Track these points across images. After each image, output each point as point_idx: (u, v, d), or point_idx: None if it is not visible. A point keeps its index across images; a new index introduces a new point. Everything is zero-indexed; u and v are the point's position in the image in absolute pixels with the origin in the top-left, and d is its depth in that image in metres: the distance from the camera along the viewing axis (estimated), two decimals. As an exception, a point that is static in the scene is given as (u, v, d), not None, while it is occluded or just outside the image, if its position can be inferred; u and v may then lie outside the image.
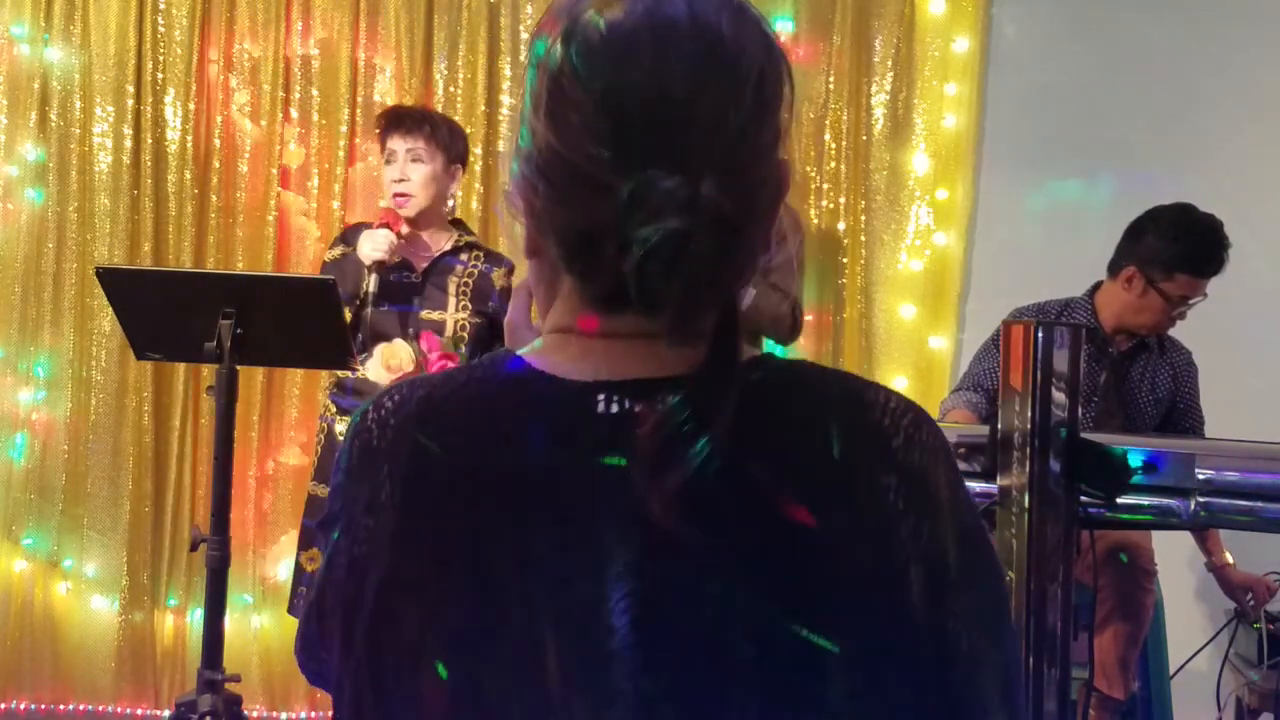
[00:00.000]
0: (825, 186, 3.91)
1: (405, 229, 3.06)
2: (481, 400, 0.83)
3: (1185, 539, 3.67)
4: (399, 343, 3.00)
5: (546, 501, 0.79)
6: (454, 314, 3.07)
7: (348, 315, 2.97)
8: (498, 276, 3.13)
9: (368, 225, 3.16)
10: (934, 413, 3.27)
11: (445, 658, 0.78)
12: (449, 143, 3.11)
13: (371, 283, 2.98)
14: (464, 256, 3.14)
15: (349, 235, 3.18)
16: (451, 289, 3.09)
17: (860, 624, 0.77)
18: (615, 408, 0.79)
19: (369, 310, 3.00)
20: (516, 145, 0.83)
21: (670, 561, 0.76)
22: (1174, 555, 3.40)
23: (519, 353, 0.85)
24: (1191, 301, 2.99)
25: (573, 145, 0.78)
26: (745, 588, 0.76)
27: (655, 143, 0.76)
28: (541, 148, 0.80)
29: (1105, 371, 3.04)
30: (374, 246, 2.98)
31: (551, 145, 0.79)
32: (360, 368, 3.00)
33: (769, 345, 3.57)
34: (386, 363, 2.96)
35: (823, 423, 0.80)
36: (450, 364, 2.94)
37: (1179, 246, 2.93)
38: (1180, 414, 3.13)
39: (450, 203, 3.19)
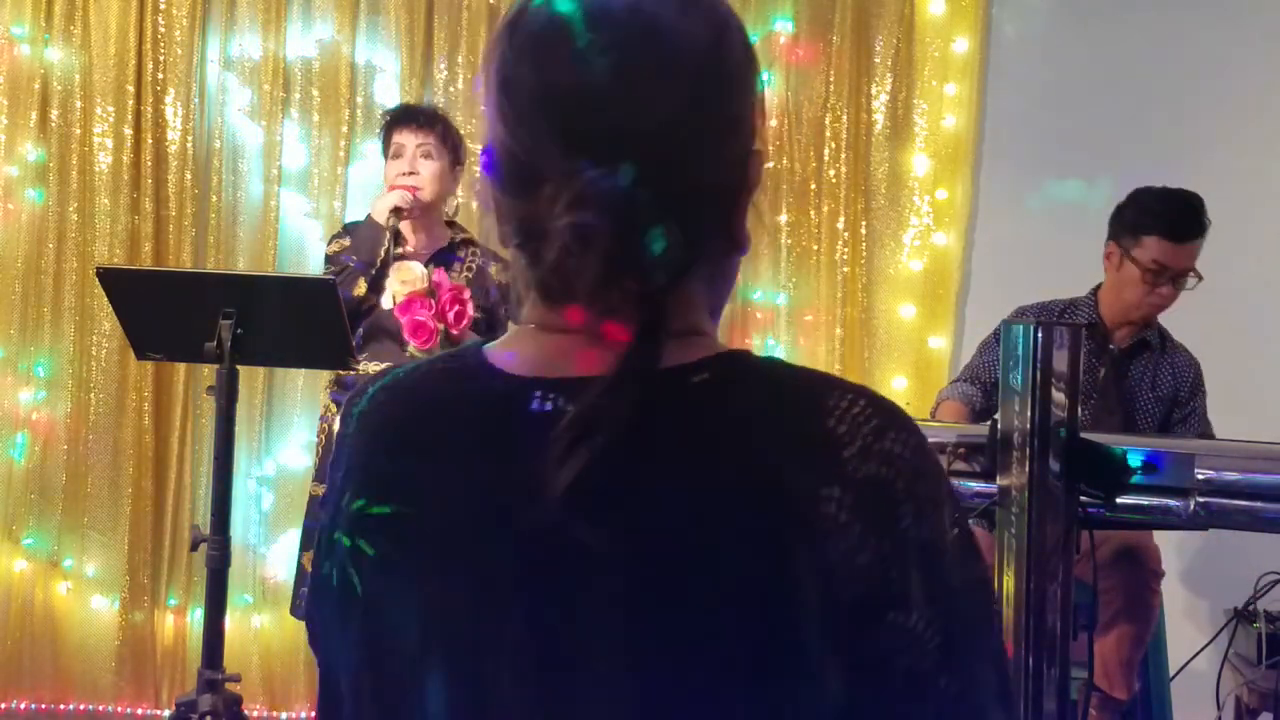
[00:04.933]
0: (825, 186, 3.91)
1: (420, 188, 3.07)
2: (432, 393, 0.84)
3: (1184, 539, 3.67)
4: (415, 263, 3.01)
5: (475, 496, 0.79)
6: None
7: (363, 285, 2.97)
8: (496, 271, 3.16)
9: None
10: (930, 402, 3.26)
11: (377, 642, 0.81)
12: (455, 144, 3.15)
13: (395, 221, 2.98)
14: (461, 253, 3.16)
15: (350, 229, 3.19)
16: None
17: (759, 641, 0.74)
18: (549, 405, 0.78)
19: (384, 294, 3.00)
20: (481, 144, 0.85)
21: (569, 566, 0.75)
22: (1173, 555, 3.41)
23: (485, 346, 0.86)
24: (1188, 283, 2.93)
25: (513, 136, 0.79)
26: (634, 599, 0.74)
27: (583, 133, 0.76)
28: (491, 140, 0.81)
29: (1104, 368, 3.03)
30: (387, 199, 3.00)
31: (498, 137, 0.80)
32: (360, 366, 3.00)
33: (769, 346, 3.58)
34: (401, 279, 2.97)
35: (760, 427, 0.76)
36: (461, 294, 2.98)
37: (1147, 210, 2.94)
38: (1180, 420, 3.08)
39: (455, 204, 3.22)
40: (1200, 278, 2.96)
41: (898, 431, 0.77)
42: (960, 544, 0.77)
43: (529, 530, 0.76)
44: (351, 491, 0.84)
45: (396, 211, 2.98)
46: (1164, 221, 2.92)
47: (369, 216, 3.03)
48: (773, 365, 0.81)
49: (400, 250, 3.05)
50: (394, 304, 2.98)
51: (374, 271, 3.00)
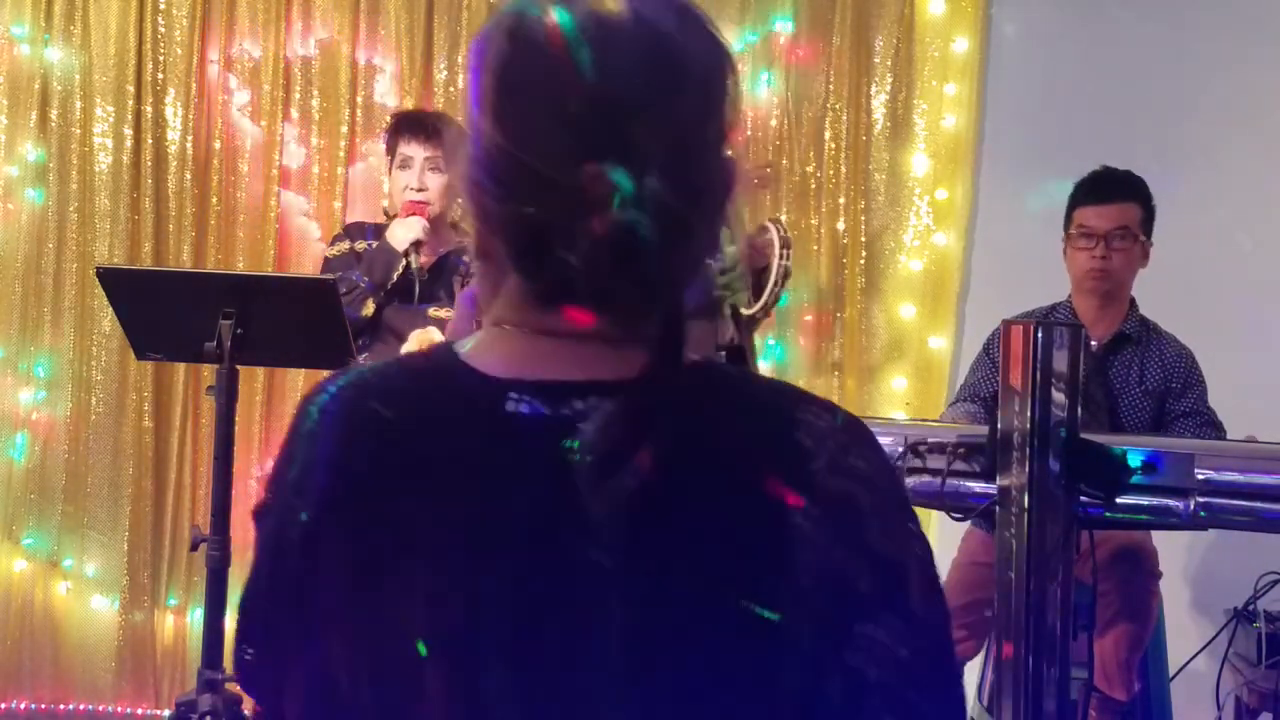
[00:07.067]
0: (825, 186, 3.91)
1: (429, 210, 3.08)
2: (407, 390, 0.84)
3: (1184, 539, 3.67)
4: (433, 330, 3.00)
5: (454, 491, 0.79)
6: None
7: (371, 306, 2.98)
8: None
9: (369, 224, 3.16)
10: (930, 402, 3.24)
11: (347, 638, 0.80)
12: None
13: (414, 260, 3.00)
14: (465, 256, 3.16)
15: (352, 231, 3.19)
16: (456, 287, 3.12)
17: (742, 646, 0.76)
18: (524, 408, 0.79)
19: (414, 295, 3.00)
20: (463, 148, 0.84)
21: (565, 567, 0.76)
22: (1173, 555, 3.40)
23: (455, 346, 0.86)
24: (1123, 243, 3.00)
25: (520, 142, 0.78)
26: (632, 598, 0.76)
27: (601, 137, 0.77)
28: (489, 147, 0.80)
29: (1085, 368, 3.00)
30: (407, 230, 3.01)
31: (498, 144, 0.79)
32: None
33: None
34: (421, 346, 2.96)
35: (737, 437, 0.79)
36: None
37: (1072, 193, 3.11)
38: (1179, 415, 3.03)
39: (458, 208, 3.21)
40: (1139, 239, 3.02)
41: (858, 448, 0.80)
42: (922, 563, 0.80)
43: (517, 527, 0.77)
44: (325, 490, 0.83)
45: (416, 244, 3.00)
46: (1081, 191, 3.09)
47: (385, 240, 3.03)
48: (744, 376, 0.85)
49: (418, 262, 3.03)
50: None
51: (383, 292, 3.01)
